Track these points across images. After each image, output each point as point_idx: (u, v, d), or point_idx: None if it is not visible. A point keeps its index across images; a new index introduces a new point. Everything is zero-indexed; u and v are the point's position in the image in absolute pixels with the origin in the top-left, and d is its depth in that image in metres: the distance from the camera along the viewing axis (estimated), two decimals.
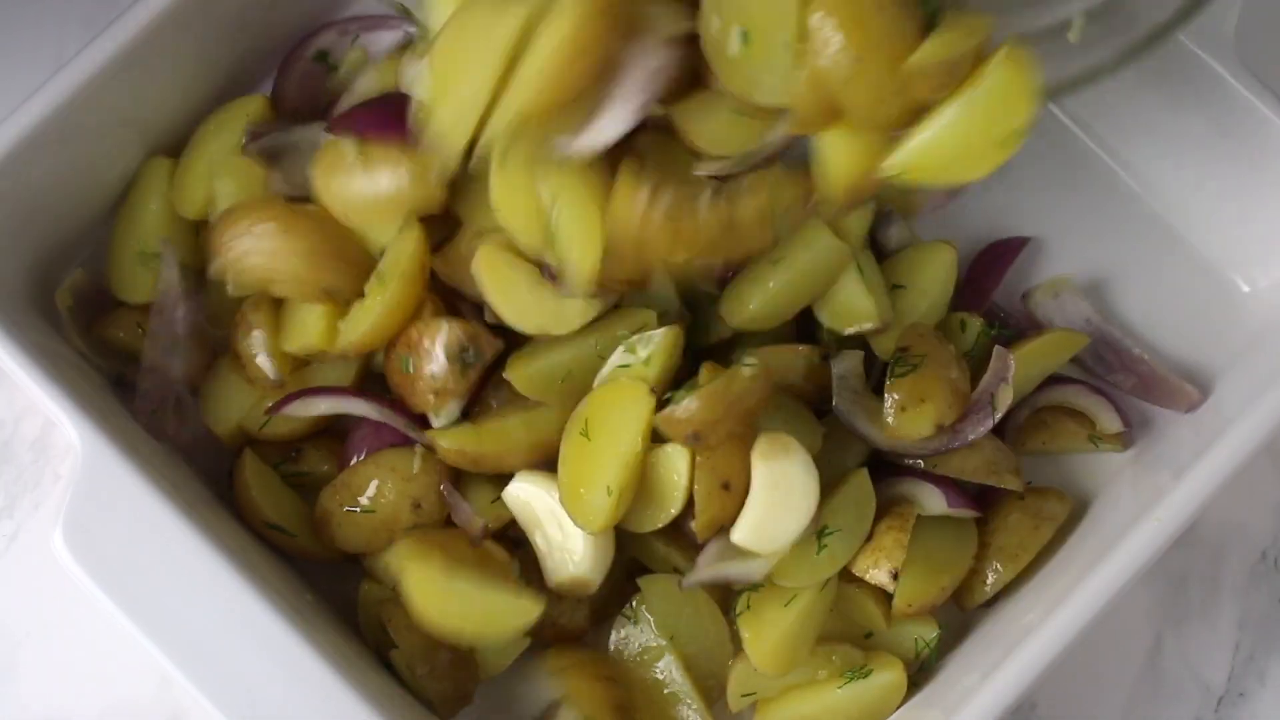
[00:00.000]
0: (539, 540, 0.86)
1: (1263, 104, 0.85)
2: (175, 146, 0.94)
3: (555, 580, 0.86)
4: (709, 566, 0.84)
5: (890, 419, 0.87)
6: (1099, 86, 0.95)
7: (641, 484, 0.84)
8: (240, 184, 0.91)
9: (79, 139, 0.88)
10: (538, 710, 0.90)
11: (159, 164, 0.94)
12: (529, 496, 0.86)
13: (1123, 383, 0.93)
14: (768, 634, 0.84)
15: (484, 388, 0.88)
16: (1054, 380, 0.94)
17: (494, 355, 0.87)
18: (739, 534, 0.83)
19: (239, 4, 0.92)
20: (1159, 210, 0.98)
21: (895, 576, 0.85)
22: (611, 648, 0.89)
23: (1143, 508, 0.84)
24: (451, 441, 0.85)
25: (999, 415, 0.87)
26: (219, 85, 0.95)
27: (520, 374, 0.86)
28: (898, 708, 0.87)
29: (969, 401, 0.87)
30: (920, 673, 0.89)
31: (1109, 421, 0.93)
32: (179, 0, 0.87)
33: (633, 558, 0.89)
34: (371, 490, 0.87)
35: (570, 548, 0.85)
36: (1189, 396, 0.92)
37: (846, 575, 0.87)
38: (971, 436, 0.87)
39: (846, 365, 0.89)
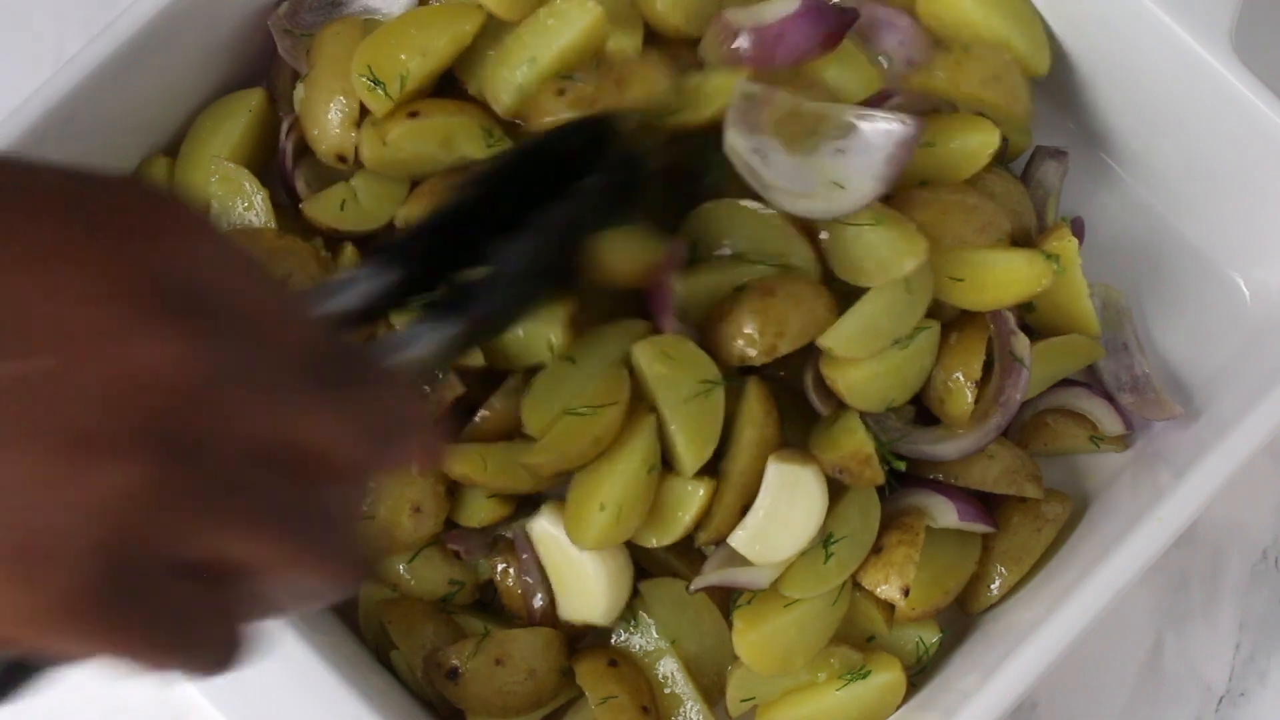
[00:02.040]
0: (553, 578, 0.86)
1: (1263, 104, 0.85)
2: (175, 145, 0.94)
3: (566, 617, 0.86)
4: (715, 571, 0.84)
5: (942, 404, 0.87)
6: (1095, 82, 0.95)
7: (651, 507, 0.84)
8: (232, 188, 0.91)
9: (79, 138, 0.88)
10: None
11: (159, 163, 0.93)
12: (552, 533, 0.85)
13: (1125, 398, 0.93)
14: (760, 629, 0.84)
15: (490, 392, 0.87)
16: (1056, 382, 0.93)
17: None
18: (737, 539, 0.83)
19: (239, 2, 0.92)
20: (1159, 210, 0.98)
21: (906, 593, 0.85)
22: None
23: (1143, 508, 0.83)
24: (464, 467, 0.84)
25: (1029, 366, 0.87)
26: (219, 83, 0.95)
27: (533, 419, 0.84)
28: (897, 709, 0.87)
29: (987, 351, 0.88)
30: (919, 675, 0.89)
31: (1111, 424, 0.93)
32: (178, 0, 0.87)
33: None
34: (369, 496, 0.86)
35: (586, 589, 0.85)
36: (1171, 410, 0.92)
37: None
38: (1019, 396, 0.87)
39: (882, 416, 0.89)
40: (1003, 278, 0.86)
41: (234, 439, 0.39)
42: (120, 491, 0.36)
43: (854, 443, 0.84)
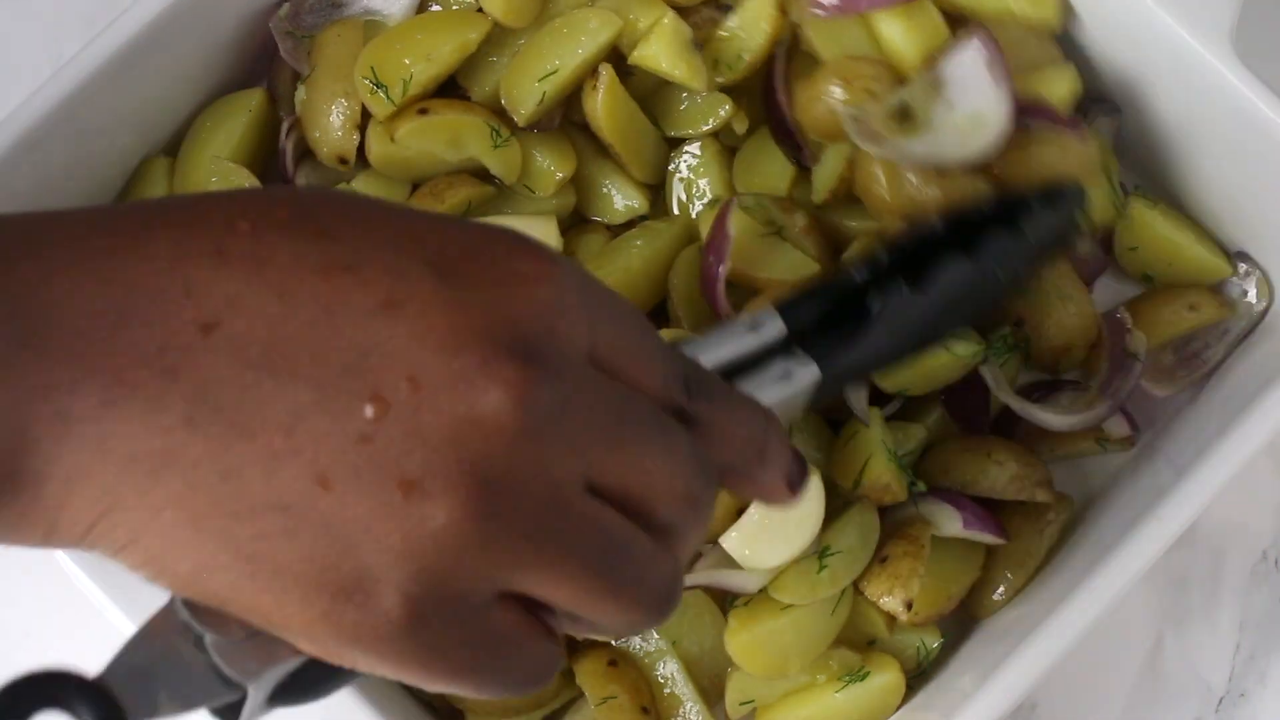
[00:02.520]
0: None
1: (1263, 104, 0.84)
2: (175, 145, 0.94)
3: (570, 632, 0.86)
4: (704, 572, 0.84)
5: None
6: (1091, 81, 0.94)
7: None
8: (231, 187, 0.91)
9: (79, 138, 0.88)
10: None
11: (158, 163, 0.93)
12: None
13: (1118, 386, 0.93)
14: (753, 630, 0.84)
15: None
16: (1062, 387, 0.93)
17: None
18: (729, 540, 0.82)
19: (240, 2, 0.92)
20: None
21: (910, 607, 0.84)
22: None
23: (1143, 508, 0.83)
24: None
25: (1142, 360, 0.88)
26: (219, 83, 0.95)
27: None
28: (896, 709, 0.86)
29: (1096, 330, 0.90)
30: (919, 678, 0.89)
31: (1117, 426, 0.92)
32: None
33: None
34: None
35: None
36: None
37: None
38: (1125, 392, 0.88)
39: (996, 370, 0.89)
40: None
41: (555, 484, 0.41)
42: (437, 532, 0.39)
43: (872, 472, 0.84)
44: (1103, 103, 0.95)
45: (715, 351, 0.58)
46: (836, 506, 0.85)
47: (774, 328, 0.60)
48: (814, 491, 0.82)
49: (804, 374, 0.59)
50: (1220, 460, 0.83)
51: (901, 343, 0.68)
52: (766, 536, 0.82)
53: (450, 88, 0.91)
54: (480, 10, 0.89)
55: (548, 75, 0.87)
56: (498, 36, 0.89)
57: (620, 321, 0.45)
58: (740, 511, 0.83)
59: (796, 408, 0.61)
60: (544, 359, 0.41)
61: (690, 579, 0.84)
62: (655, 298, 0.88)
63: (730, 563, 0.84)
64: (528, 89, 0.88)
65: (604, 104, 0.88)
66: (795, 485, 0.54)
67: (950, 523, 0.87)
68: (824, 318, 0.64)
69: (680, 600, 0.47)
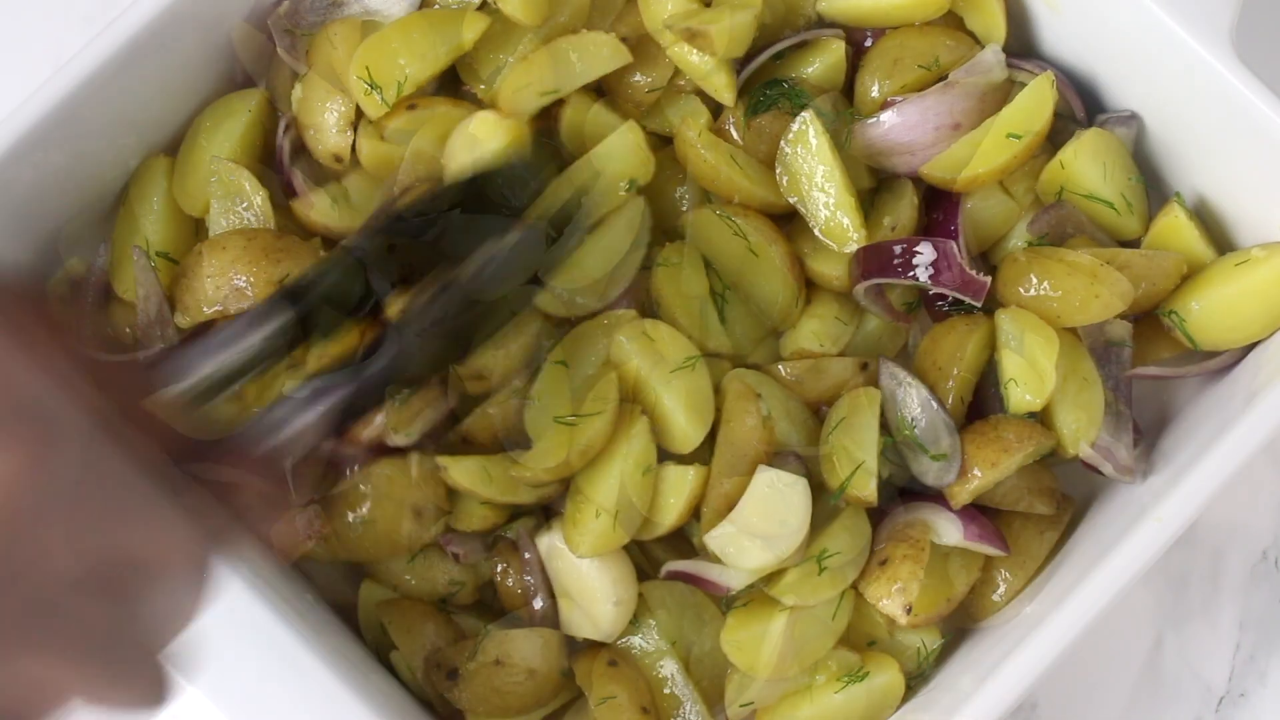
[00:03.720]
0: (558, 591, 0.86)
1: (1263, 104, 0.84)
2: (175, 145, 0.94)
3: (570, 633, 0.86)
4: (688, 560, 0.85)
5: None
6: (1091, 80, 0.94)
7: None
8: (231, 188, 0.91)
9: (79, 138, 0.88)
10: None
11: (158, 162, 0.93)
12: (559, 547, 0.85)
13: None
14: (750, 629, 0.84)
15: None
16: None
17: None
18: (711, 536, 0.83)
19: (240, 2, 0.92)
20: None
21: (909, 610, 0.84)
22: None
23: (1143, 508, 0.83)
24: (467, 480, 0.84)
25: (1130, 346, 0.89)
26: (219, 83, 0.95)
27: (534, 427, 0.85)
28: (896, 709, 0.86)
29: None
30: (919, 678, 0.89)
31: None
32: None
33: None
34: (369, 501, 0.86)
35: (592, 604, 0.85)
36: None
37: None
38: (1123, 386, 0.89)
39: None
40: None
41: (53, 568, 0.40)
42: None
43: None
44: (1116, 111, 0.94)
45: (222, 353, 0.55)
46: (828, 510, 0.86)
47: (282, 316, 0.56)
48: (802, 494, 0.82)
49: (322, 401, 0.56)
50: (1220, 460, 0.83)
51: (430, 348, 0.63)
52: (749, 535, 0.82)
53: (455, 89, 0.91)
54: (480, 8, 0.89)
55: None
56: (502, 35, 0.89)
57: (128, 380, 0.44)
58: (730, 509, 0.83)
59: (324, 431, 0.58)
60: (57, 423, 0.39)
61: (672, 565, 0.85)
62: None
63: (714, 557, 0.84)
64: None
65: (566, 127, 0.90)
66: (286, 549, 0.53)
67: (950, 532, 0.86)
68: (336, 292, 0.60)
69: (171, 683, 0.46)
